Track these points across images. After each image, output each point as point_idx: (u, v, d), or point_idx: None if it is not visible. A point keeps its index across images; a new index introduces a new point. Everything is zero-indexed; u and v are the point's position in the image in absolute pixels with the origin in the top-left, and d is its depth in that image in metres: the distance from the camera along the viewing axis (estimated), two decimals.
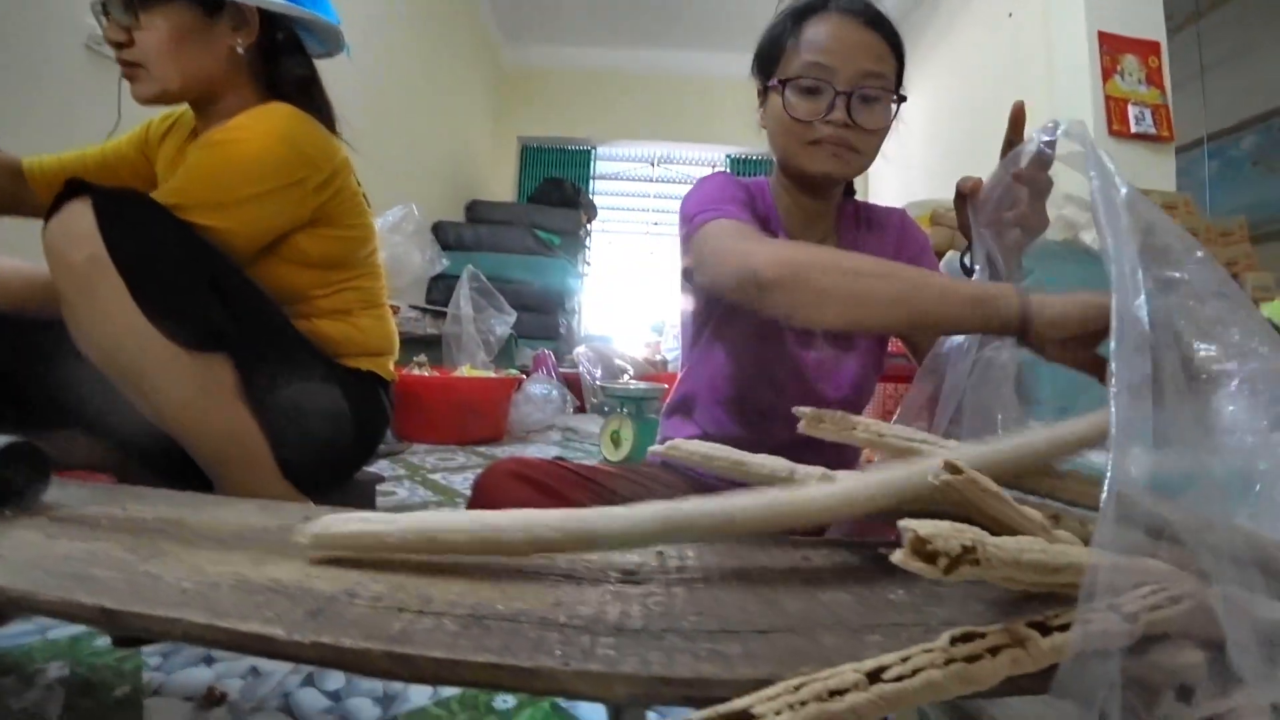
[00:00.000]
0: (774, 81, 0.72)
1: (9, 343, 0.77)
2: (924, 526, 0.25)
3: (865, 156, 0.72)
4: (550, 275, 3.93)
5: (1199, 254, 0.39)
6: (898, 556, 0.25)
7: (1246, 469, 0.35)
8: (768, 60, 0.75)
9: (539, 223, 4.11)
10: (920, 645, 0.24)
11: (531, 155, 5.43)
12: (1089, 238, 1.74)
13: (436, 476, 1.74)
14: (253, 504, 0.54)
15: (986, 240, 0.57)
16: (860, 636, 0.30)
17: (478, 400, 2.35)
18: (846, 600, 0.35)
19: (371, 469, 1.66)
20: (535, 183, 4.82)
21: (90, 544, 0.40)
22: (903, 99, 0.72)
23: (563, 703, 0.62)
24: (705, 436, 0.75)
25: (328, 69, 0.94)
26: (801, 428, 0.46)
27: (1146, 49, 2.51)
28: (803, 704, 0.21)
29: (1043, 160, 0.55)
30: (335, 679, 0.65)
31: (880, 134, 0.72)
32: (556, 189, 4.46)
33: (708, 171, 5.14)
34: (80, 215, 0.65)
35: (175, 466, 0.74)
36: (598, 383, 3.03)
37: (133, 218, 0.67)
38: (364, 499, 1.05)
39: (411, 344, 2.53)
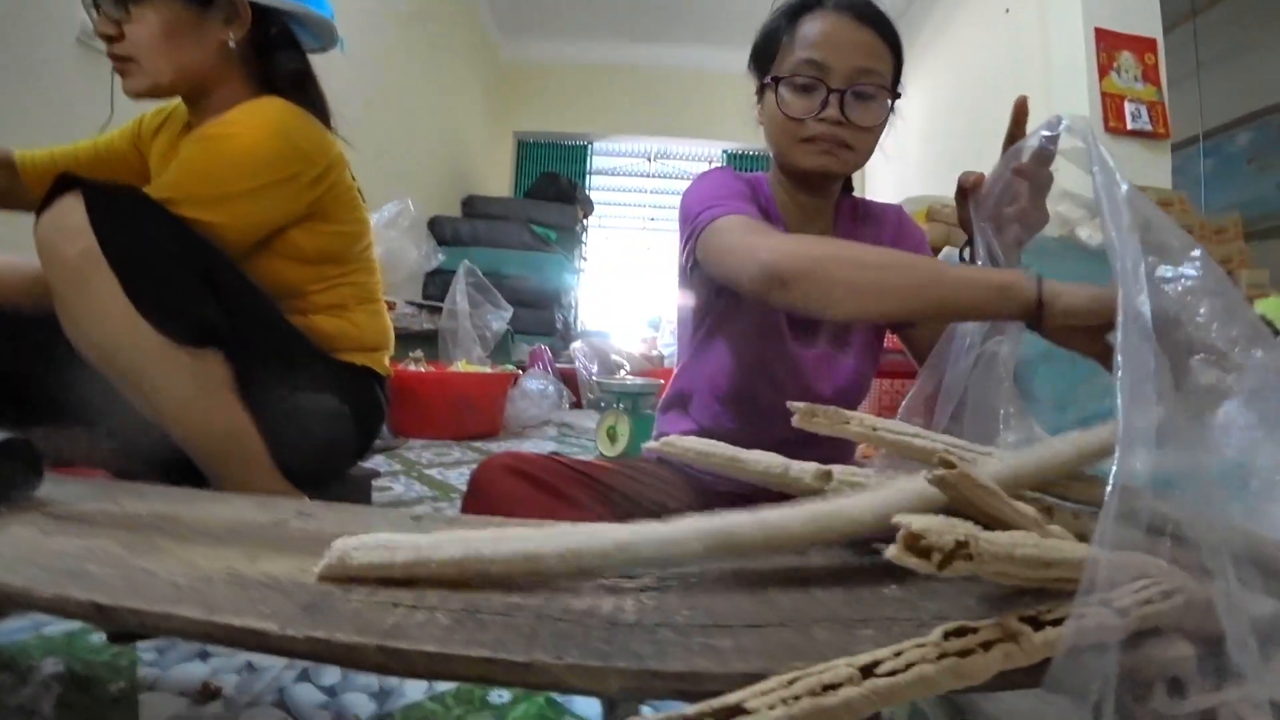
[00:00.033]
0: (769, 78, 0.72)
1: (3, 338, 0.77)
2: (917, 521, 0.25)
3: (860, 153, 0.72)
4: (547, 271, 3.93)
5: (1195, 252, 0.40)
6: (892, 552, 0.25)
7: (1242, 466, 0.35)
8: (764, 57, 0.75)
9: (535, 218, 4.10)
10: (913, 640, 0.24)
11: (528, 150, 5.42)
12: (1085, 234, 1.74)
13: (432, 472, 1.74)
14: (248, 499, 0.54)
15: (986, 235, 0.57)
16: (853, 631, 0.30)
17: (474, 396, 2.35)
18: (839, 594, 0.35)
19: (367, 464, 1.66)
20: (532, 178, 4.81)
21: (85, 540, 0.40)
22: (897, 96, 0.72)
23: (558, 697, 0.62)
24: (702, 432, 0.75)
25: (323, 63, 0.93)
26: (795, 422, 0.46)
27: (1143, 46, 2.51)
28: (796, 698, 0.21)
29: (1044, 156, 0.55)
30: (331, 674, 0.65)
31: (875, 131, 0.72)
32: (553, 184, 4.45)
33: (705, 167, 5.12)
34: (72, 210, 0.64)
35: (170, 462, 0.73)
36: (594, 378, 3.03)
37: (125, 212, 0.67)
38: (360, 494, 1.05)
39: (408, 339, 2.53)
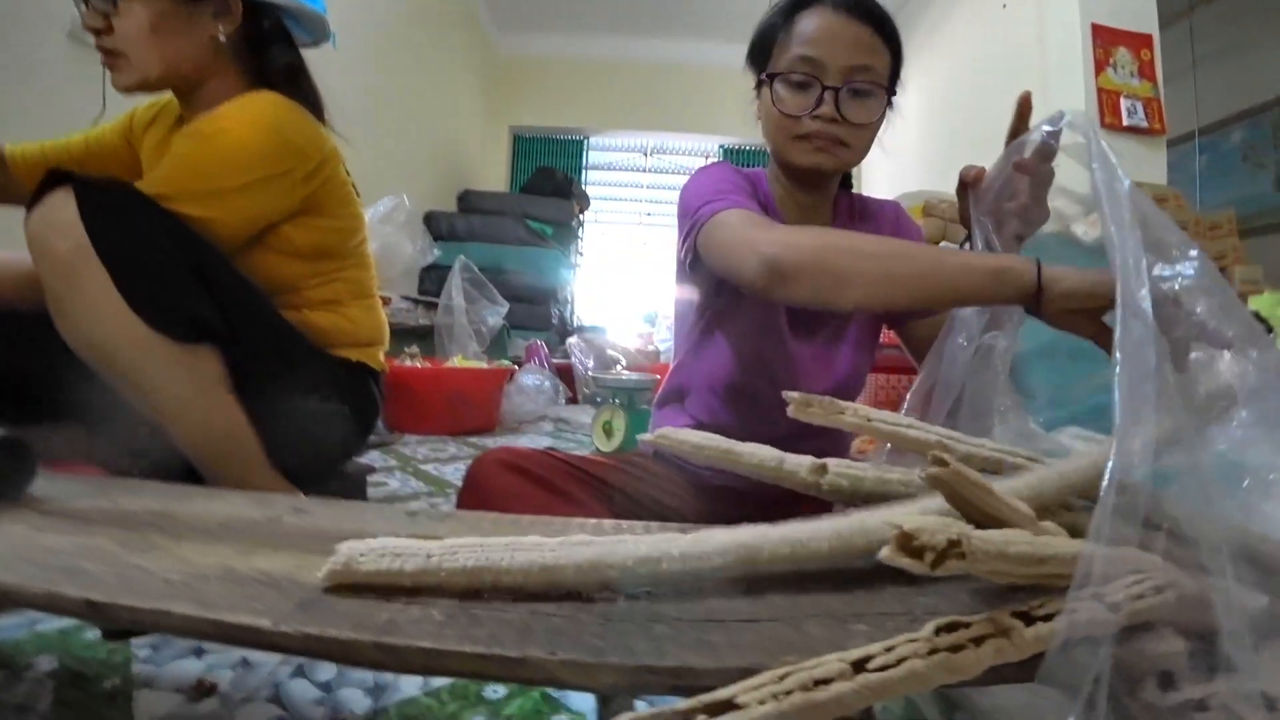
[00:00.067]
0: (765, 75, 0.72)
1: None
2: (910, 521, 0.25)
3: (855, 150, 0.72)
4: (543, 266, 3.92)
5: (1193, 251, 0.40)
6: (885, 553, 0.25)
7: (1236, 463, 0.35)
8: (761, 53, 0.75)
9: (531, 213, 4.09)
10: (905, 635, 0.25)
11: (524, 145, 5.40)
12: (1080, 229, 1.74)
13: (428, 467, 1.74)
14: (242, 496, 0.54)
15: (986, 230, 0.57)
16: (846, 626, 0.31)
17: (469, 391, 2.35)
18: (832, 589, 0.35)
19: (363, 460, 1.66)
20: (528, 173, 4.80)
21: (78, 537, 0.40)
22: (894, 93, 0.72)
23: (552, 692, 0.62)
24: (699, 426, 0.75)
25: (318, 58, 0.93)
26: (791, 412, 0.46)
27: (1139, 42, 2.52)
28: (787, 693, 0.21)
29: (1046, 151, 0.55)
30: (326, 670, 0.65)
31: (871, 129, 0.72)
32: (549, 179, 4.44)
33: (701, 162, 5.11)
34: (63, 205, 0.64)
35: (165, 458, 0.73)
36: (590, 373, 3.03)
37: (116, 207, 0.66)
38: (355, 490, 1.05)
39: (403, 335, 2.53)
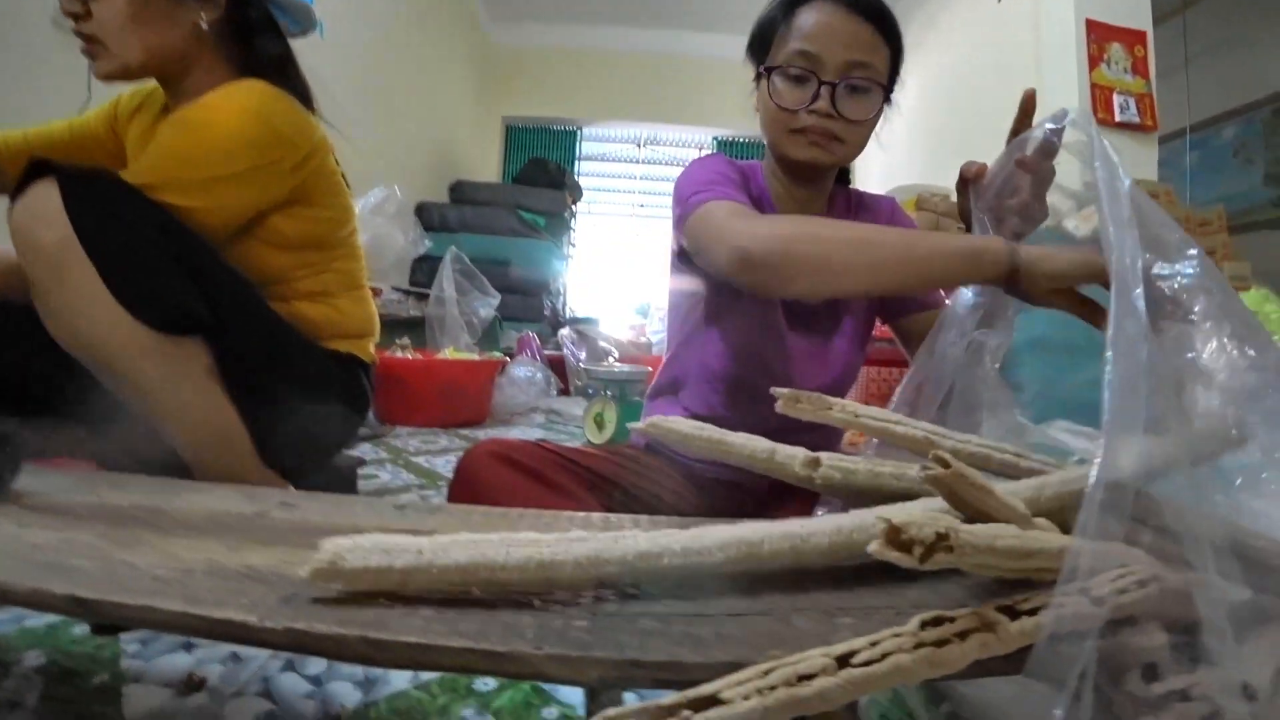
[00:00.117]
0: (764, 67, 0.72)
1: None
2: (898, 515, 0.25)
3: (851, 146, 0.72)
4: (535, 257, 3.90)
5: (1192, 250, 0.40)
6: (874, 547, 0.25)
7: (1225, 463, 0.36)
8: (760, 45, 0.75)
9: (523, 204, 4.07)
10: (890, 630, 0.25)
11: (516, 135, 5.37)
12: (1072, 225, 1.75)
13: (419, 459, 1.73)
14: (229, 490, 0.53)
15: (985, 226, 0.57)
16: (833, 619, 0.31)
17: (461, 383, 2.34)
18: (820, 582, 0.35)
19: (353, 452, 1.65)
20: (520, 163, 4.76)
21: (64, 532, 0.40)
22: (891, 91, 0.73)
23: (543, 684, 0.63)
24: (692, 417, 0.75)
25: (310, 48, 0.92)
26: (779, 408, 0.47)
27: (1133, 38, 2.52)
28: (771, 689, 0.21)
29: (1048, 149, 0.55)
30: (316, 663, 0.65)
31: (867, 125, 0.72)
32: (541, 170, 4.41)
33: (695, 154, 5.11)
34: (47, 196, 0.63)
35: (153, 452, 0.73)
36: (582, 365, 3.02)
37: (102, 198, 0.65)
38: (345, 483, 1.04)
39: (394, 326, 2.51)
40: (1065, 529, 0.33)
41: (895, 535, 0.25)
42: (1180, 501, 0.32)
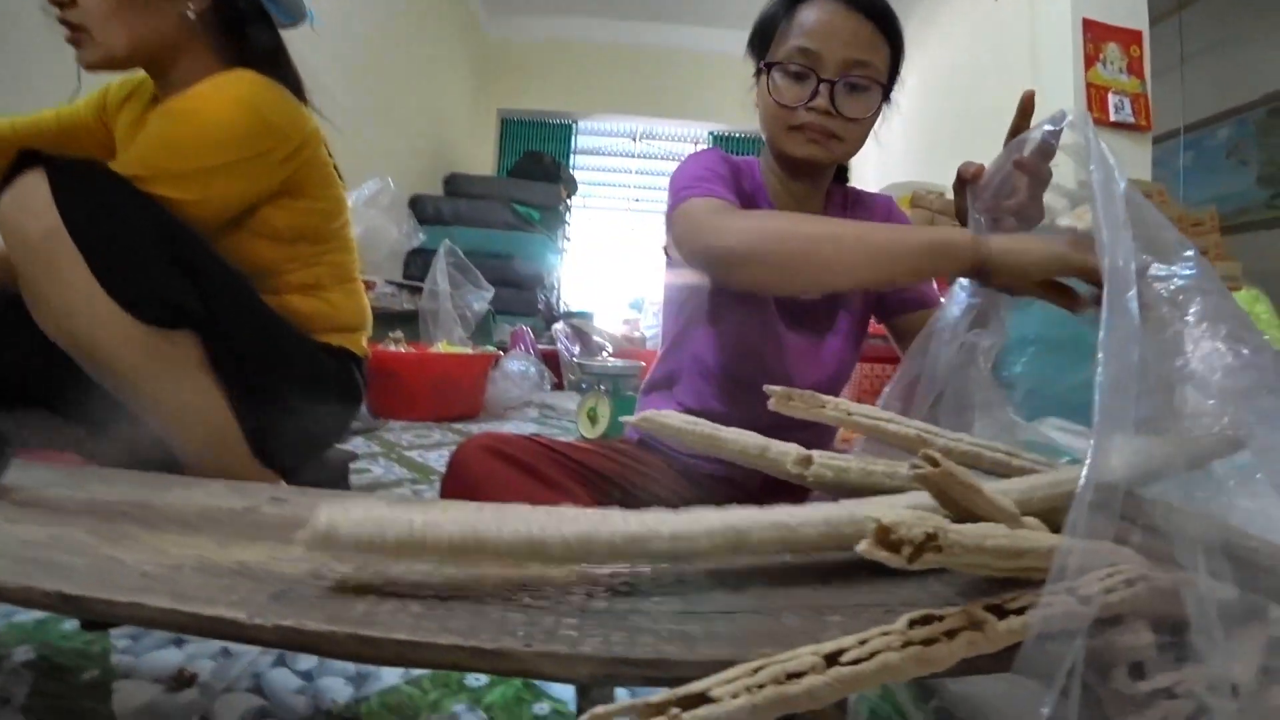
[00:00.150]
0: (763, 63, 0.73)
1: None
2: (888, 515, 0.25)
3: (849, 144, 0.72)
4: (529, 251, 3.89)
5: (1189, 252, 0.40)
6: (863, 546, 0.25)
7: (1218, 464, 0.36)
8: (761, 41, 0.75)
9: (518, 197, 4.05)
10: (878, 628, 0.25)
11: (511, 129, 5.34)
12: (1065, 223, 1.76)
13: (412, 454, 1.73)
14: (220, 484, 0.53)
15: (981, 227, 0.58)
16: (822, 617, 0.31)
17: (454, 377, 2.34)
18: (810, 580, 0.35)
19: (346, 446, 1.65)
20: (515, 157, 4.75)
21: (52, 528, 0.40)
22: (890, 90, 0.73)
23: (534, 680, 0.63)
24: (686, 412, 0.75)
25: (304, 38, 0.91)
26: (772, 405, 0.47)
27: (1129, 38, 2.53)
28: (760, 687, 0.21)
29: (1046, 150, 0.55)
30: (307, 659, 0.64)
31: (865, 123, 0.72)
32: (536, 163, 4.40)
33: (690, 148, 5.09)
34: (35, 187, 0.62)
35: (144, 446, 0.72)
36: (575, 360, 3.02)
37: (91, 190, 0.65)
38: (337, 477, 1.04)
39: (388, 319, 2.50)
40: (1057, 529, 0.33)
41: (885, 535, 0.25)
42: (1171, 501, 0.33)
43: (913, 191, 2.49)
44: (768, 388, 0.47)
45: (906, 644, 0.24)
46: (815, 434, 0.76)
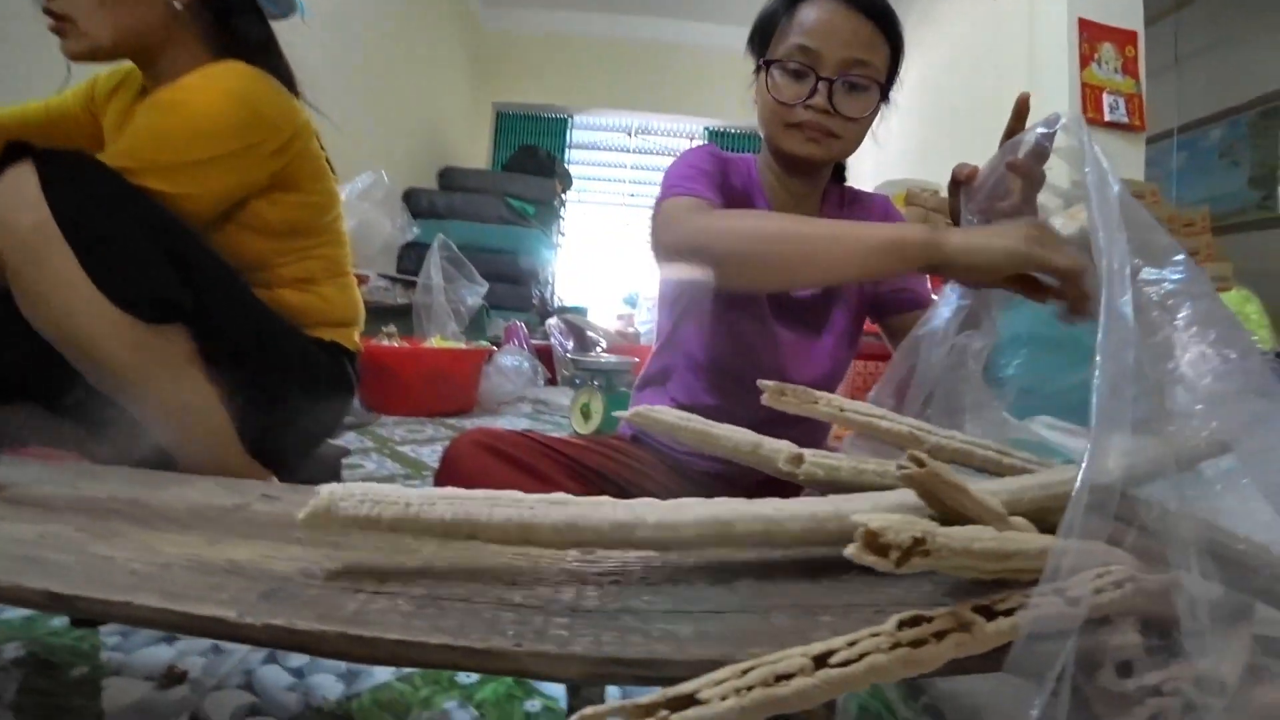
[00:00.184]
0: (763, 60, 0.73)
1: None
2: (875, 519, 0.25)
3: (846, 142, 0.73)
4: (523, 245, 3.88)
5: (1179, 256, 0.40)
6: (851, 550, 0.25)
7: (1208, 467, 0.36)
8: (761, 38, 0.75)
9: (513, 191, 4.04)
10: (867, 629, 0.25)
11: (507, 122, 5.32)
12: (1059, 223, 1.77)
13: (405, 449, 1.73)
14: (212, 481, 0.53)
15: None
16: (813, 617, 0.31)
17: (448, 371, 2.33)
18: (800, 579, 0.35)
19: (338, 441, 1.64)
20: (510, 150, 4.72)
21: (42, 525, 0.39)
22: (889, 89, 0.73)
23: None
24: (679, 407, 0.76)
25: (297, 30, 0.90)
26: (765, 401, 0.47)
27: (1124, 38, 2.54)
28: (748, 689, 0.21)
29: (1040, 152, 0.55)
30: (298, 656, 0.64)
31: (863, 122, 0.72)
32: (531, 157, 4.38)
33: (686, 144, 5.08)
34: (23, 179, 0.61)
35: (134, 441, 0.72)
36: (569, 355, 3.02)
37: (80, 182, 0.64)
38: (329, 473, 1.04)
39: (381, 313, 2.50)
40: (1048, 529, 0.34)
41: (873, 539, 0.25)
42: (1163, 503, 0.33)
43: (908, 189, 2.49)
44: (761, 383, 0.47)
45: (895, 645, 0.24)
46: (808, 431, 0.76)
